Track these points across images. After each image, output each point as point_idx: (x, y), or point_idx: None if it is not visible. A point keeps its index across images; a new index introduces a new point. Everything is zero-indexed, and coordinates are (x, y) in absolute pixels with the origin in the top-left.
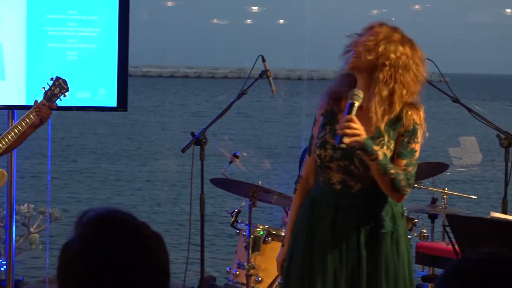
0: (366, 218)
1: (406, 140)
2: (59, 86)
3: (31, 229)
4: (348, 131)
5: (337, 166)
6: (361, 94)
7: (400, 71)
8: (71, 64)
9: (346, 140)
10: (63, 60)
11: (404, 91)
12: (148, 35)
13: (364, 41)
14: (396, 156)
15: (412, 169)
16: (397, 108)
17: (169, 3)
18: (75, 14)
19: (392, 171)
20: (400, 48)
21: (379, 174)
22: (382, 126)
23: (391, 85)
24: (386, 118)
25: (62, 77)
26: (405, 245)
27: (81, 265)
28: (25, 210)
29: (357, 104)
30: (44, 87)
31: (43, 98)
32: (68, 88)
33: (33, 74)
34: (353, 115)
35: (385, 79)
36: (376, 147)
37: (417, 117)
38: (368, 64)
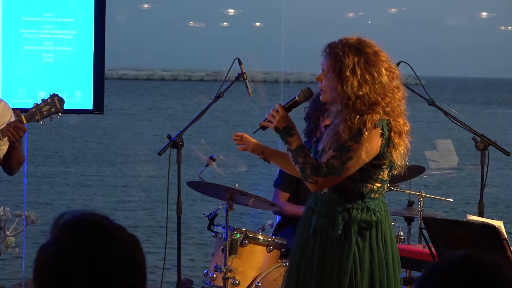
0: (325, 220)
1: (349, 136)
2: (50, 104)
3: (7, 232)
4: (267, 115)
5: None
6: (307, 93)
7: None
8: (47, 66)
9: (262, 122)
10: (39, 63)
11: (365, 106)
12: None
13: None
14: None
15: (334, 162)
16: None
17: (145, 6)
18: (51, 17)
19: (300, 159)
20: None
21: (292, 163)
22: None
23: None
24: None
25: (60, 95)
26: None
27: (57, 268)
28: (1, 213)
29: (297, 99)
30: (36, 102)
31: (26, 113)
32: (61, 108)
33: (8, 76)
34: (279, 104)
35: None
36: (290, 139)
37: (367, 121)
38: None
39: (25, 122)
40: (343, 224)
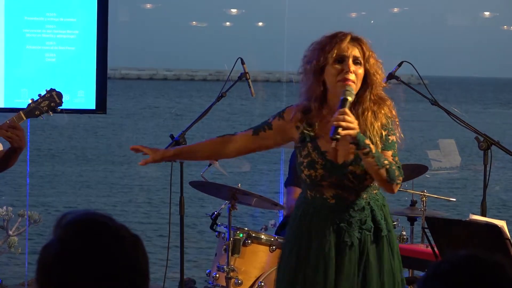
0: (364, 225)
1: (385, 133)
2: (48, 98)
3: (10, 232)
4: (343, 123)
5: (329, 183)
6: (353, 90)
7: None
8: (49, 66)
9: (342, 132)
10: (42, 62)
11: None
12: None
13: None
14: (380, 150)
15: (398, 159)
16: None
17: (148, 6)
18: (54, 16)
19: (385, 162)
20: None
21: (374, 167)
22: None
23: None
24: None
25: (57, 90)
26: (395, 243)
27: (60, 268)
28: (4, 213)
29: (350, 99)
30: (32, 98)
31: (24, 109)
32: (61, 102)
33: (11, 76)
34: (346, 109)
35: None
36: (367, 141)
37: (388, 110)
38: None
39: (24, 118)
40: (383, 222)
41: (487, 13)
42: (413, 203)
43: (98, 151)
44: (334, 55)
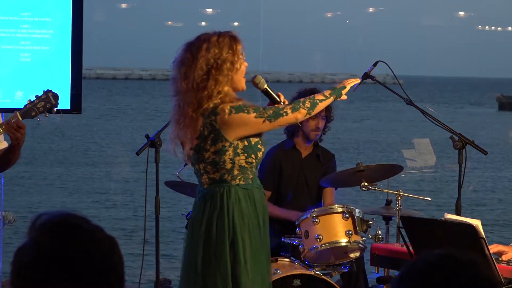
0: None
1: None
2: (45, 100)
3: None
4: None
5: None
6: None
7: None
8: (24, 66)
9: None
10: (16, 62)
11: None
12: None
13: None
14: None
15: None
16: None
17: (124, 5)
18: (28, 16)
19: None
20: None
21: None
22: None
23: None
24: None
25: (54, 91)
26: None
27: (35, 270)
28: None
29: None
30: (29, 99)
31: (21, 110)
32: (56, 103)
33: None
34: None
35: None
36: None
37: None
38: None
39: (20, 118)
40: None
41: (462, 13)
42: (388, 203)
43: (71, 151)
44: (242, 55)
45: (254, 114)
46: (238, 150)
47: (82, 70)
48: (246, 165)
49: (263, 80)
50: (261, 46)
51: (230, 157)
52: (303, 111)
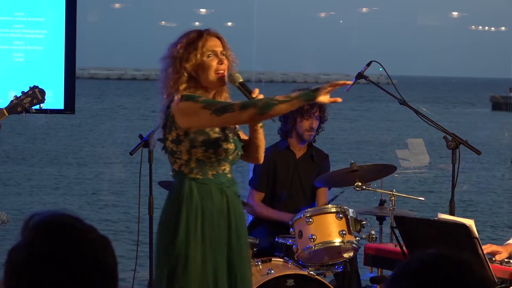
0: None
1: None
2: (31, 95)
3: None
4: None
5: (232, 158)
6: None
7: None
8: (17, 66)
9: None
10: (10, 62)
11: None
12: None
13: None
14: None
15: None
16: None
17: (117, 5)
18: (22, 16)
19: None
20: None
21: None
22: None
23: None
24: None
25: (40, 87)
26: None
27: (28, 271)
28: None
29: (241, 79)
30: (15, 95)
31: (7, 106)
32: (43, 99)
33: None
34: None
35: None
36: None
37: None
38: None
39: (6, 114)
40: None
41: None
42: (382, 203)
43: (65, 152)
44: (207, 51)
45: (202, 104)
46: (196, 143)
47: (76, 70)
48: (204, 160)
49: (237, 75)
50: (254, 46)
51: (187, 148)
52: (252, 111)
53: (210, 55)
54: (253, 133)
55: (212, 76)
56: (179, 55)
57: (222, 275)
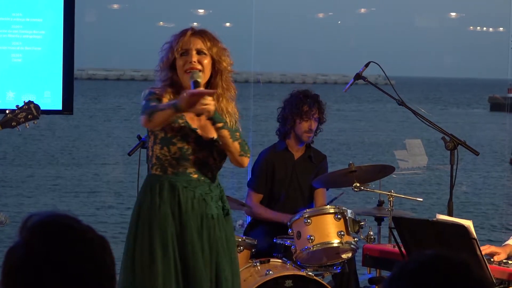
0: (218, 203)
1: (229, 119)
2: (26, 110)
3: None
4: (202, 102)
5: (195, 158)
6: (199, 73)
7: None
8: (16, 66)
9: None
10: (8, 63)
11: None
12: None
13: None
14: None
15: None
16: None
17: (115, 6)
18: (20, 16)
19: (238, 135)
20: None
21: (229, 140)
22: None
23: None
24: None
25: (35, 103)
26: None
27: (26, 271)
28: None
29: (199, 80)
30: (10, 109)
31: (1, 119)
32: (38, 115)
33: None
34: (201, 89)
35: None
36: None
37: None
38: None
39: (1, 128)
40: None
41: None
42: (380, 203)
43: (64, 152)
44: (179, 49)
45: (143, 103)
46: (157, 140)
47: (74, 70)
48: (161, 157)
49: (197, 74)
50: (252, 47)
51: (151, 144)
52: (143, 117)
53: (184, 54)
54: (217, 134)
55: (181, 74)
56: (162, 54)
57: (170, 267)
